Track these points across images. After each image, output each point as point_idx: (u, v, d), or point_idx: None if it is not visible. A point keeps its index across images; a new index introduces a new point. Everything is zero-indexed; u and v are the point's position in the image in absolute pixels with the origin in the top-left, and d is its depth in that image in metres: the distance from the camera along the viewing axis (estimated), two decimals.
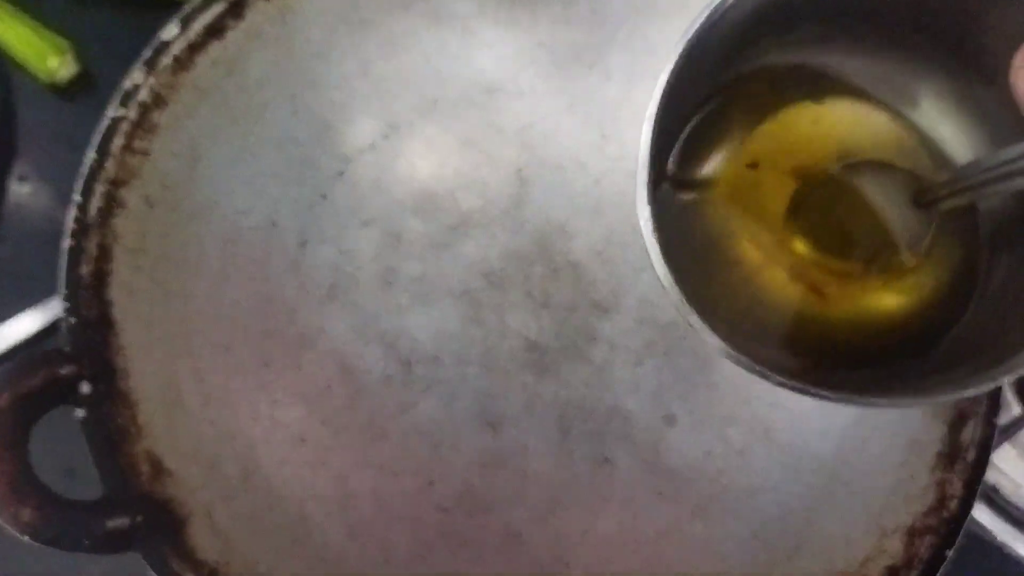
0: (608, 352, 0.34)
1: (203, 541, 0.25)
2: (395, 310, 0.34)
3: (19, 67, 0.42)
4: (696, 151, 0.26)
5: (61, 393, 0.25)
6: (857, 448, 0.30)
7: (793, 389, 0.22)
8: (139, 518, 0.24)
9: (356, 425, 0.31)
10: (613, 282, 0.35)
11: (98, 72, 0.42)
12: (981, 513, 0.37)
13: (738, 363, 0.22)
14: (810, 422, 0.31)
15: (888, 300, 0.25)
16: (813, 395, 0.22)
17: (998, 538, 0.37)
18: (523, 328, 0.35)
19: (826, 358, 0.25)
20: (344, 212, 0.34)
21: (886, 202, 0.24)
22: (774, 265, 0.26)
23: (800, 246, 0.25)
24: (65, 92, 0.42)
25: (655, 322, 0.35)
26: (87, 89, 0.42)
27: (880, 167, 0.24)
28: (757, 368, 0.22)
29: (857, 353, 0.25)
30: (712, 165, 0.26)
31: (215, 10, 0.30)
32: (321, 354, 0.32)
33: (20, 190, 0.41)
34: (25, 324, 0.38)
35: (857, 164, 0.25)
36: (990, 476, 0.38)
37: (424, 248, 0.35)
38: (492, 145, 0.36)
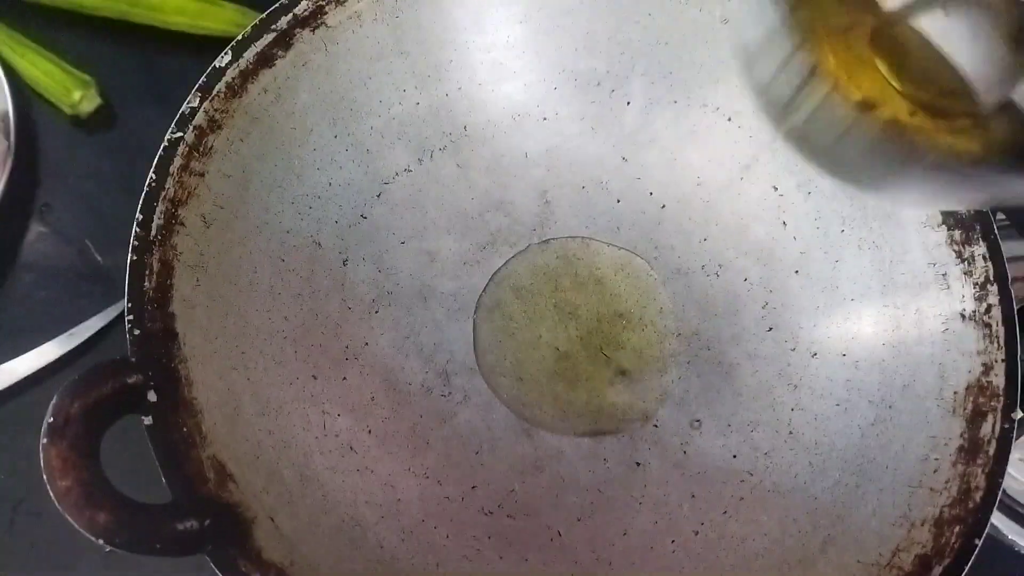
0: (635, 360, 0.36)
1: (269, 543, 0.26)
2: (432, 324, 0.35)
3: (43, 101, 0.43)
4: None
5: (129, 401, 0.26)
6: (880, 445, 0.31)
7: None
8: (207, 521, 0.25)
9: (400, 434, 0.32)
10: (636, 294, 0.37)
11: (118, 106, 0.44)
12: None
13: None
14: (832, 423, 0.33)
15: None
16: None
17: (1009, 537, 0.39)
18: (553, 339, 0.36)
19: None
20: (382, 232, 0.35)
21: (971, 41, 0.20)
22: (852, 85, 0.22)
23: (882, 69, 0.21)
24: (87, 125, 0.43)
25: (678, 332, 0.36)
26: (108, 123, 0.43)
27: None
28: None
29: None
30: None
31: (266, 39, 0.32)
32: (365, 367, 0.33)
33: (43, 220, 0.42)
34: (50, 351, 0.39)
35: None
36: None
37: (457, 265, 0.36)
38: (518, 168, 0.38)
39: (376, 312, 0.34)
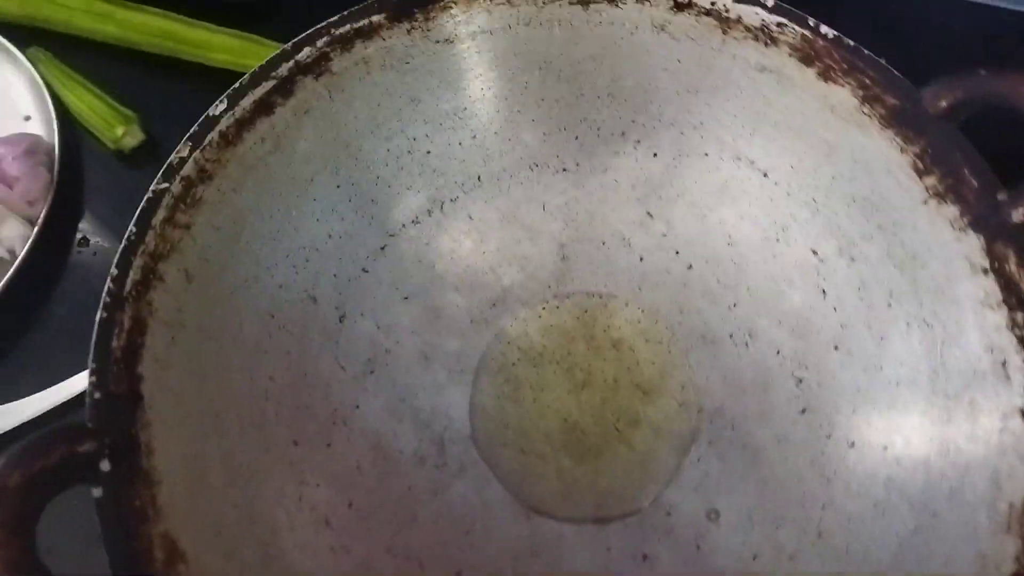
0: (651, 438, 0.33)
1: None
2: (432, 387, 0.33)
3: (88, 134, 0.44)
4: None
5: (79, 471, 0.24)
6: (919, 558, 0.27)
7: None
8: None
9: (384, 508, 0.30)
10: (658, 363, 0.34)
11: (162, 141, 0.44)
12: None
13: None
14: (867, 526, 0.29)
15: None
16: None
17: None
18: (561, 408, 0.33)
19: None
20: (385, 286, 0.34)
21: None
22: None
23: None
24: (130, 159, 0.44)
25: (699, 408, 0.33)
26: (151, 157, 0.44)
27: None
28: None
29: None
30: None
31: (264, 87, 0.30)
32: (353, 432, 0.31)
33: (82, 251, 0.43)
34: (78, 383, 0.38)
35: None
36: None
37: (464, 324, 0.34)
38: (535, 220, 0.36)
39: (371, 372, 0.33)
